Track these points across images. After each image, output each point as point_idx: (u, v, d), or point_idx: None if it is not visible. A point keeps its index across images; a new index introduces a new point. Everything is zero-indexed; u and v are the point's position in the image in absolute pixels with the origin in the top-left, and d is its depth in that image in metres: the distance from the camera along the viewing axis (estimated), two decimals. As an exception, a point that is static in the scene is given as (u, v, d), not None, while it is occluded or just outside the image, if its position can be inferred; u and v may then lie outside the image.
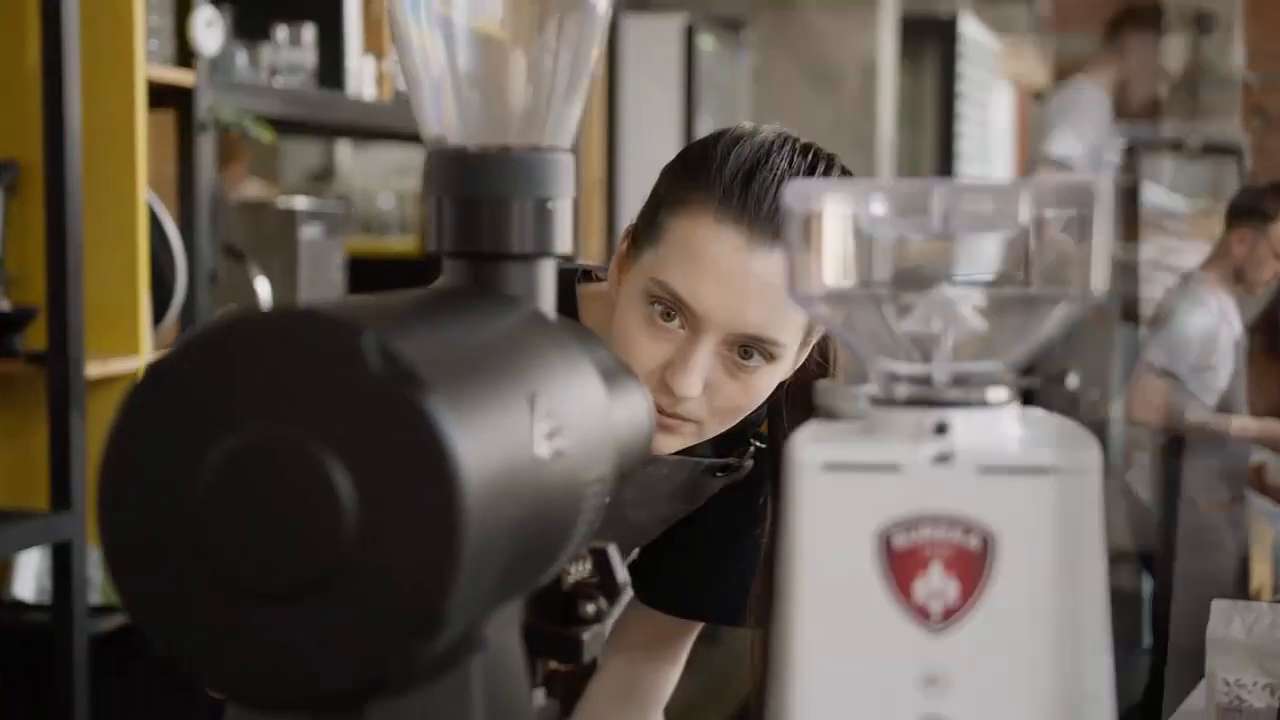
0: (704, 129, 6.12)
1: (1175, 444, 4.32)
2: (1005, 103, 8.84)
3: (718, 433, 1.30)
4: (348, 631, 0.59)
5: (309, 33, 2.96)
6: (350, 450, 0.59)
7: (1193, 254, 4.65)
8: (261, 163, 4.34)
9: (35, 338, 2.34)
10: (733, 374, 1.25)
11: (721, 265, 1.21)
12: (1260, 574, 5.21)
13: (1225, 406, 4.23)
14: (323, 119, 3.11)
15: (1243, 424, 4.27)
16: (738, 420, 1.30)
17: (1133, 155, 4.42)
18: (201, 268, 2.61)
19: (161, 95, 2.57)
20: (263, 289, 2.84)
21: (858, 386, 0.73)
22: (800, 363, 1.33)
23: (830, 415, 0.75)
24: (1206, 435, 4.21)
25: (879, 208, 0.69)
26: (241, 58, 2.86)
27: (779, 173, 1.24)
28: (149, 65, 2.49)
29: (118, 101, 2.41)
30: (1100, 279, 0.67)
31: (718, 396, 1.26)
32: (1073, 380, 3.20)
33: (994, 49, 8.07)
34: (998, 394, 0.68)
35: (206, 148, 2.61)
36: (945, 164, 7.31)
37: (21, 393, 2.42)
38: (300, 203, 3.03)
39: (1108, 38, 4.52)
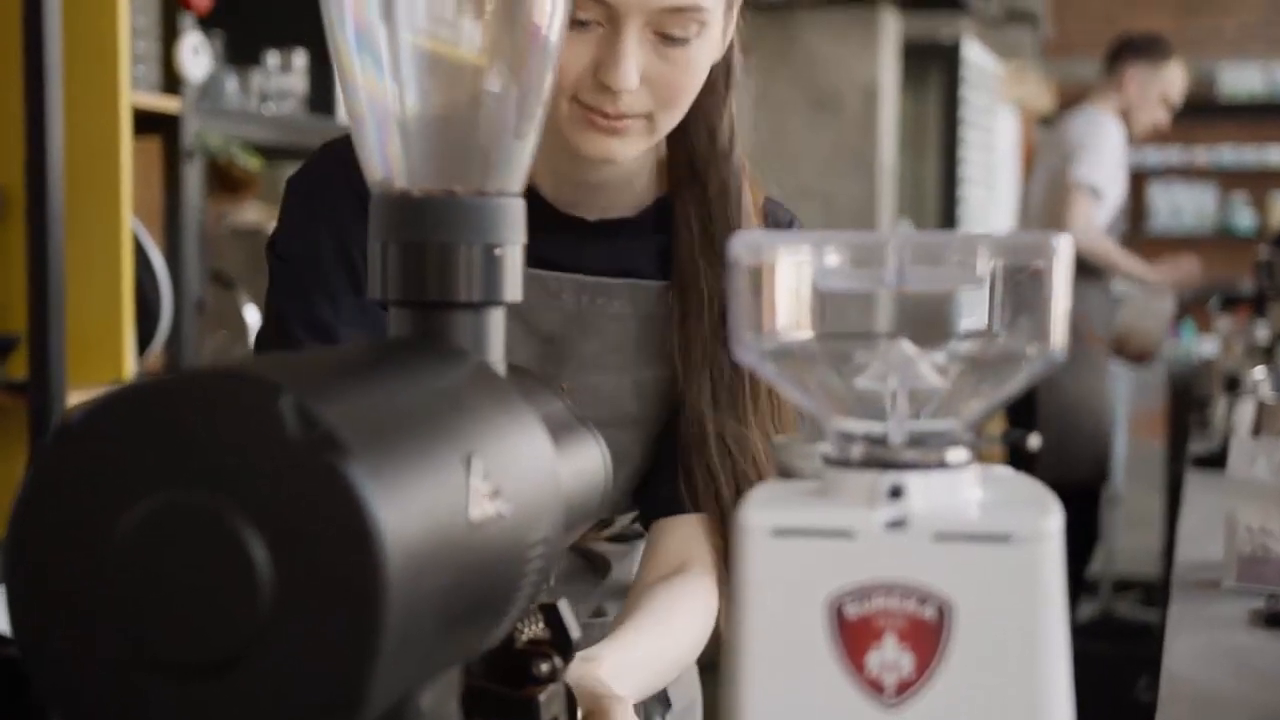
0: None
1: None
2: (1009, 127, 8.82)
3: (670, 127, 1.26)
4: (263, 709, 0.56)
5: (300, 59, 2.93)
6: (267, 518, 0.56)
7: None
8: (264, 186, 4.32)
9: (16, 366, 2.32)
10: (664, 56, 1.21)
11: None
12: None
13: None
14: (313, 145, 3.08)
15: (1131, 262, 4.47)
16: (685, 107, 1.26)
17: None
18: (188, 296, 2.58)
19: (148, 122, 2.55)
20: (251, 317, 2.82)
21: (813, 444, 0.70)
22: (730, 37, 1.30)
23: (786, 474, 0.72)
24: (1098, 265, 4.34)
25: (832, 260, 0.66)
26: (232, 83, 2.83)
27: None
28: (135, 92, 2.47)
29: (102, 128, 2.38)
30: (1060, 338, 0.64)
31: (658, 84, 1.22)
32: (1034, 441, 3.21)
33: (997, 73, 8.05)
34: (956, 455, 0.65)
35: (193, 175, 2.58)
36: (948, 188, 7.29)
37: (3, 422, 2.39)
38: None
39: (1108, 68, 4.54)
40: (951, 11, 6.27)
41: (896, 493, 0.64)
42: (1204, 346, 6.51)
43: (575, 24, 1.18)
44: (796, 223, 1.41)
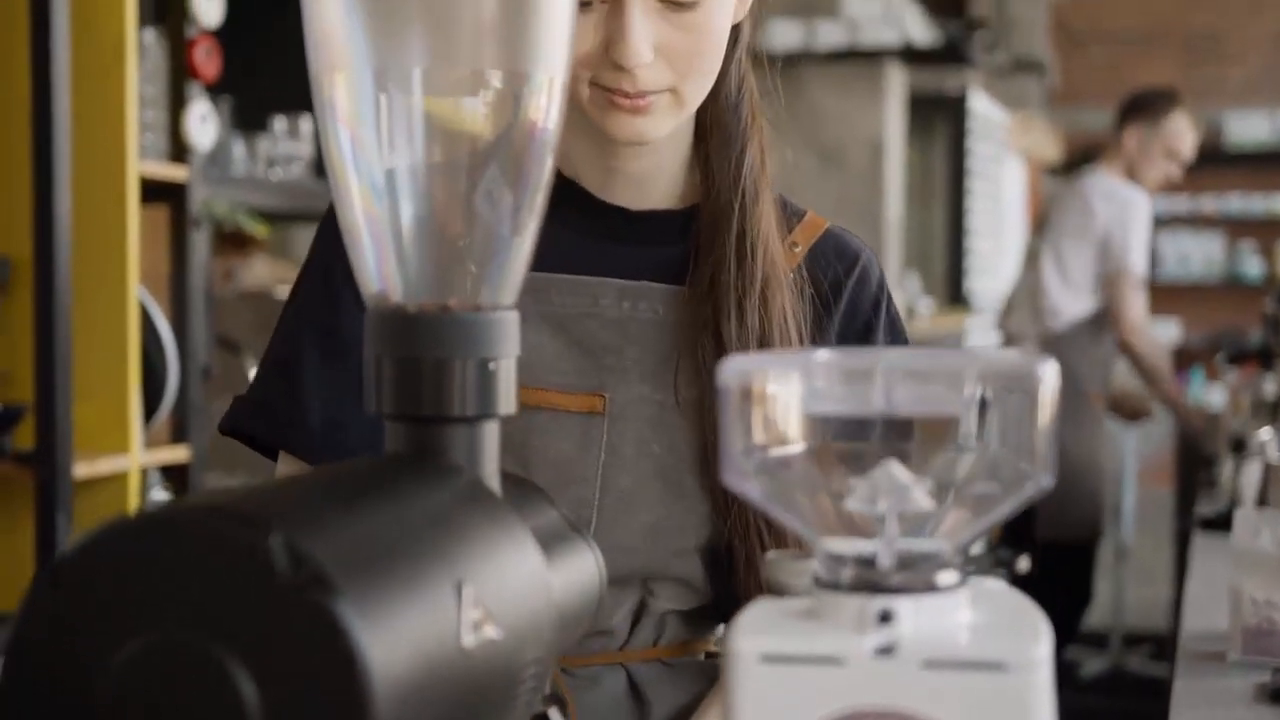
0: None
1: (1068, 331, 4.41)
2: (1016, 176, 8.84)
3: (700, 96, 1.20)
4: (254, 846, 0.56)
5: (307, 124, 2.95)
6: (257, 657, 0.56)
7: None
8: (272, 243, 4.34)
9: (24, 436, 2.32)
10: (676, 24, 1.16)
11: None
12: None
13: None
14: (320, 209, 3.10)
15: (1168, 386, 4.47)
16: (713, 74, 1.19)
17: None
18: (194, 363, 2.59)
19: (156, 190, 2.56)
20: (258, 381, 2.82)
21: (804, 561, 0.71)
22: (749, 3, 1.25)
23: (776, 590, 0.72)
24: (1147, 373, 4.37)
25: (821, 383, 0.66)
26: (239, 149, 2.85)
27: None
28: (143, 161, 2.49)
29: (110, 197, 2.40)
30: (1046, 465, 0.65)
31: (674, 54, 1.16)
32: (1023, 563, 3.22)
33: (1004, 123, 8.07)
34: (946, 577, 0.65)
35: (200, 242, 2.60)
36: (955, 239, 7.30)
37: (9, 492, 2.39)
38: (299, 292, 3.01)
39: (1115, 126, 4.58)
40: (958, 65, 6.30)
41: (886, 618, 0.64)
42: (1212, 396, 6.50)
43: (580, 5, 1.12)
44: (867, 257, 1.32)
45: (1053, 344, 4.49)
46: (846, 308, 1.29)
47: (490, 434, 0.77)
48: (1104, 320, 4.39)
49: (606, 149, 1.25)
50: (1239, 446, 3.23)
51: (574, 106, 1.17)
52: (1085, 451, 4.30)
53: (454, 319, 0.75)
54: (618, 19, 1.14)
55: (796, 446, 0.68)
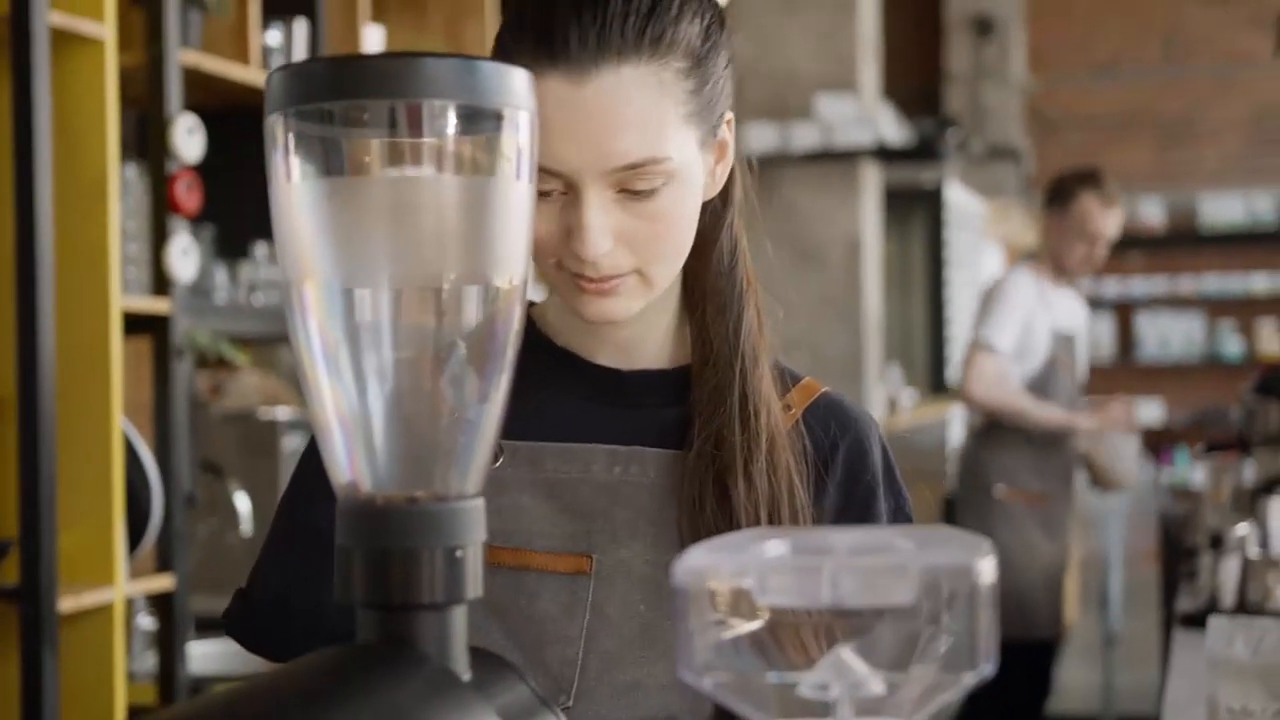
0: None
1: (985, 428, 4.39)
2: (995, 262, 8.93)
3: (670, 276, 1.20)
4: None
5: (288, 247, 2.99)
6: None
7: None
8: (258, 359, 4.37)
9: (8, 572, 2.34)
10: (636, 213, 1.16)
11: (555, 115, 1.12)
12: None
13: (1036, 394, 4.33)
14: (301, 333, 3.13)
15: (1048, 413, 4.33)
16: (682, 254, 1.20)
17: None
18: (178, 491, 2.62)
19: (139, 322, 2.60)
20: (242, 505, 2.85)
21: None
22: (723, 169, 1.24)
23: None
24: (1012, 420, 4.29)
25: (772, 578, 0.70)
26: (222, 276, 2.90)
27: None
28: (126, 294, 2.52)
29: (94, 332, 2.43)
30: (987, 654, 0.68)
31: (635, 241, 1.16)
32: None
33: (981, 212, 8.16)
34: (897, 762, 0.68)
35: (182, 372, 2.63)
36: (935, 328, 7.36)
37: (-6, 628, 2.41)
38: (282, 413, 3.05)
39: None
40: (933, 160, 6.38)
41: (839, 804, 0.67)
42: (1196, 475, 6.53)
43: (540, 194, 1.14)
44: (865, 422, 1.31)
45: (970, 440, 4.52)
46: (844, 475, 1.28)
47: (459, 618, 0.79)
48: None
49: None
50: (1216, 542, 3.25)
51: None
52: (1018, 550, 4.27)
53: (421, 510, 0.78)
54: (575, 210, 1.15)
55: (749, 637, 0.71)
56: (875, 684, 0.69)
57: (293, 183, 0.79)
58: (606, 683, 1.21)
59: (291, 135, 0.79)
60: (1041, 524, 4.38)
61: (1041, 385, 4.37)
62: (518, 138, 0.80)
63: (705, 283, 1.28)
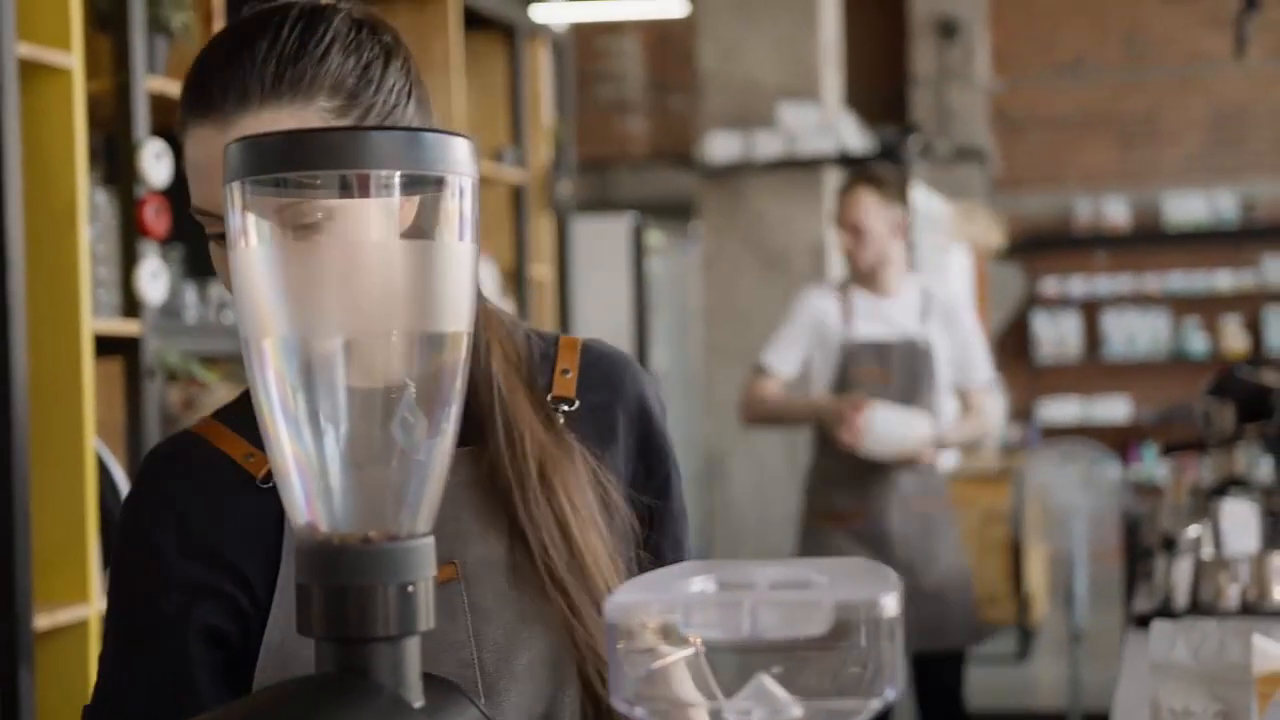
0: (655, 320, 6.28)
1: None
2: (962, 264, 9.00)
3: None
4: None
5: (256, 265, 3.04)
6: None
7: None
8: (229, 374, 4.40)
9: (-16, 592, 2.39)
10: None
11: (206, 161, 1.18)
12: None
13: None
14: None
15: (956, 429, 4.17)
16: None
17: None
18: (151, 507, 2.66)
19: (109, 345, 2.65)
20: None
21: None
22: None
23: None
24: (778, 417, 4.15)
25: (697, 615, 0.76)
26: (191, 295, 2.95)
27: (233, 36, 1.20)
28: (96, 317, 2.57)
29: (65, 354, 2.48)
30: (893, 679, 0.74)
31: None
32: None
33: (947, 213, 8.24)
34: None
35: (154, 393, 2.68)
36: (903, 330, 7.42)
37: (-32, 647, 2.45)
38: (252, 428, 3.09)
39: None
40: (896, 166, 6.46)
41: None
42: (1161, 472, 6.61)
43: (215, 238, 1.20)
44: (641, 379, 1.37)
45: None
46: (634, 437, 1.34)
47: (412, 649, 0.86)
48: (821, 439, 4.18)
49: None
50: (1170, 543, 3.32)
51: None
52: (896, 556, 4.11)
53: (375, 550, 0.85)
54: None
55: (675, 668, 0.77)
56: (794, 709, 0.76)
57: (250, 246, 0.85)
58: (505, 672, 1.27)
59: (249, 202, 0.85)
60: (851, 541, 4.13)
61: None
62: (460, 202, 0.86)
63: None
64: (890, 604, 0.74)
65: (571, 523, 1.27)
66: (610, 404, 1.34)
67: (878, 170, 4.23)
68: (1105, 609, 6.55)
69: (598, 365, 1.35)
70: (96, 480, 2.52)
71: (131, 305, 2.67)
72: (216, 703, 1.23)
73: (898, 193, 4.13)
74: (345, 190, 0.84)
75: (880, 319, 4.14)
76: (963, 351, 4.17)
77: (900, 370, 4.14)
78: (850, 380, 4.11)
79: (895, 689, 0.75)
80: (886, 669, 0.75)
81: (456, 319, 0.86)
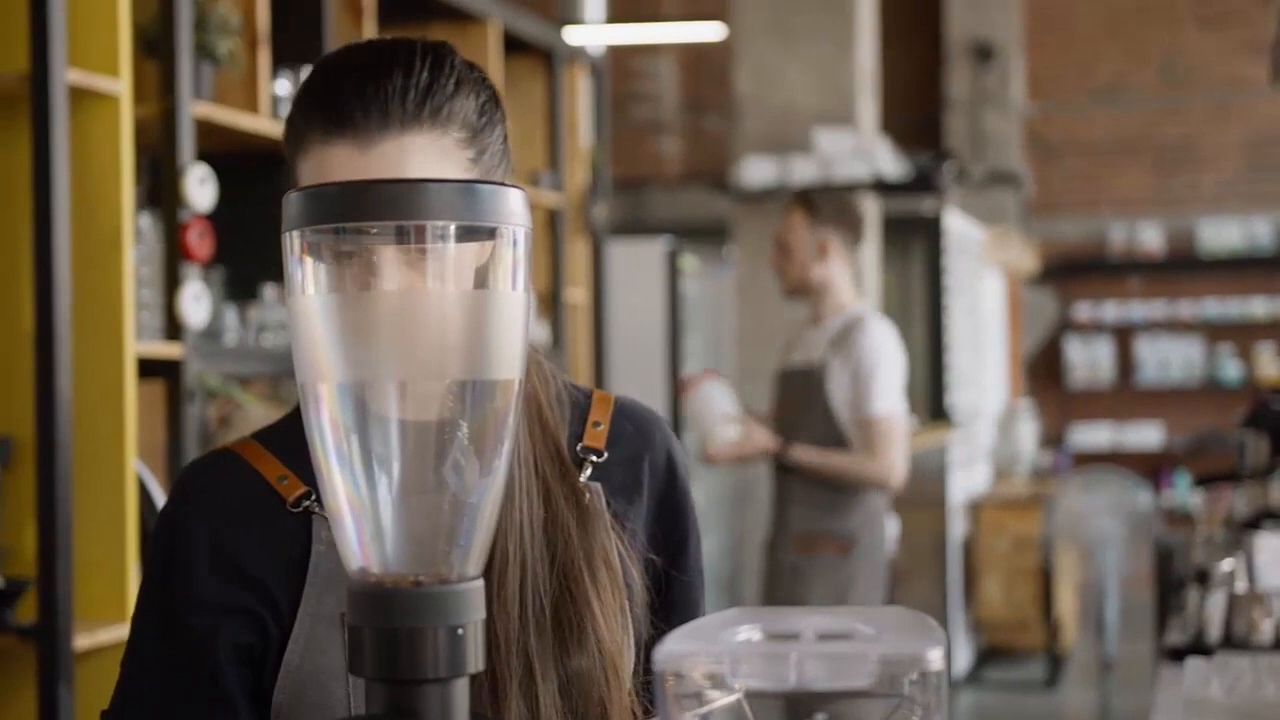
0: (689, 342, 6.29)
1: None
2: (996, 288, 9.00)
3: None
4: None
5: (296, 289, 3.07)
6: None
7: None
8: (266, 392, 4.44)
9: (25, 610, 2.42)
10: None
11: (344, 179, 1.17)
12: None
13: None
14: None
15: (806, 452, 4.03)
16: None
17: None
18: (190, 529, 2.68)
19: (151, 367, 2.68)
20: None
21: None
22: None
23: None
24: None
25: (744, 665, 0.77)
26: (232, 318, 2.98)
27: (365, 61, 1.21)
28: (140, 340, 2.60)
29: (109, 377, 2.51)
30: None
31: None
32: None
33: (980, 238, 8.23)
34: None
35: (194, 415, 2.71)
36: (935, 355, 7.42)
37: (11, 666, 2.48)
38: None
39: None
40: (931, 192, 6.46)
41: None
42: (1195, 499, 6.58)
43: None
44: (666, 431, 1.38)
45: None
46: (659, 484, 1.35)
47: (461, 690, 0.87)
48: (780, 469, 4.13)
49: None
50: (1202, 576, 3.31)
51: None
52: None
53: (426, 592, 0.86)
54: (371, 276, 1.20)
55: (725, 714, 0.78)
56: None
57: (308, 295, 0.87)
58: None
59: (307, 251, 0.87)
60: (822, 570, 4.04)
61: (783, 429, 4.10)
62: (514, 251, 0.88)
63: None
64: (936, 658, 0.75)
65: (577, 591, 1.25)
66: (638, 459, 1.35)
67: (815, 195, 4.21)
68: (1135, 638, 6.53)
69: (628, 421, 1.36)
70: (137, 501, 2.54)
71: (174, 328, 2.70)
72: (248, 717, 1.24)
73: (829, 217, 4.08)
74: (402, 240, 0.86)
75: (803, 347, 4.15)
76: (854, 382, 4.04)
77: (798, 397, 4.11)
78: (784, 408, 4.13)
79: (939, 741, 0.76)
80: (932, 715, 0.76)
81: (510, 367, 0.88)
